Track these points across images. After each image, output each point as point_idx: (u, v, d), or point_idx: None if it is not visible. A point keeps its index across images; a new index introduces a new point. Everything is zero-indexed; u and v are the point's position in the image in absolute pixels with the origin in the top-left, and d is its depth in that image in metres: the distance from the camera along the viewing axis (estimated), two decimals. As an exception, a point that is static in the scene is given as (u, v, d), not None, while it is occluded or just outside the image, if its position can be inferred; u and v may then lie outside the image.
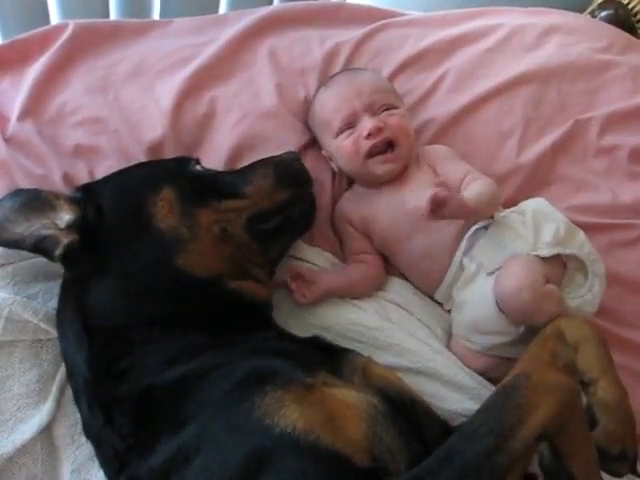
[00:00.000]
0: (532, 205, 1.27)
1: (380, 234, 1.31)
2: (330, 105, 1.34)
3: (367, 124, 1.26)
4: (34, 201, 1.05)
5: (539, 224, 1.21)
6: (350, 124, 1.30)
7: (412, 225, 1.25)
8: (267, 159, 1.26)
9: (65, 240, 1.04)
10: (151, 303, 1.04)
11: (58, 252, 1.04)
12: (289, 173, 1.23)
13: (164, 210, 1.08)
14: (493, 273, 1.19)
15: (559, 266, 1.20)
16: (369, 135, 1.26)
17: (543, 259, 1.17)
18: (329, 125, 1.33)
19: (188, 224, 1.07)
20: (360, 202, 1.34)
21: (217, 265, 1.09)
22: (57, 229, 1.04)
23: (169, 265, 1.05)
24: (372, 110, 1.28)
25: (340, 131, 1.31)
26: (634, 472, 1.04)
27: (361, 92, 1.30)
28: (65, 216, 1.05)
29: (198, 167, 1.20)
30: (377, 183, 1.32)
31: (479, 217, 1.22)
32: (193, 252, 1.06)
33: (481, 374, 1.21)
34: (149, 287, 1.05)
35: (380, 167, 1.28)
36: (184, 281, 1.06)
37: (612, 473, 1.02)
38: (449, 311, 1.30)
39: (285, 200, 1.20)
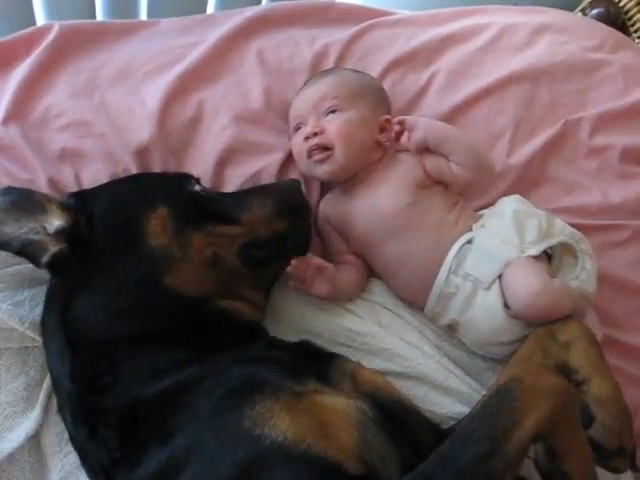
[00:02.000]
0: (510, 205, 1.26)
1: (357, 238, 1.30)
2: (293, 106, 1.36)
3: (308, 127, 1.28)
4: (25, 202, 1.03)
5: (521, 224, 1.21)
6: (300, 124, 1.32)
7: (388, 229, 1.25)
8: (268, 186, 1.27)
9: (53, 248, 1.02)
10: (136, 320, 1.03)
11: (45, 260, 1.03)
12: (288, 204, 1.21)
13: (157, 228, 1.06)
14: (490, 287, 1.18)
15: (545, 257, 1.21)
16: (307, 138, 1.28)
17: (535, 257, 1.17)
18: (289, 124, 1.37)
19: (180, 244, 1.06)
20: (338, 204, 1.34)
21: (206, 286, 1.08)
22: (46, 235, 1.02)
23: (157, 283, 1.04)
24: (318, 113, 1.29)
25: (294, 130, 1.34)
26: (634, 467, 1.05)
27: (315, 95, 1.31)
28: (55, 222, 1.03)
29: (197, 187, 1.19)
30: (348, 184, 1.32)
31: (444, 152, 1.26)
32: (182, 271, 1.05)
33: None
34: (135, 304, 1.03)
35: (318, 168, 1.28)
36: (171, 299, 1.05)
37: (612, 469, 1.03)
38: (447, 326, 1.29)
39: (281, 231, 1.18)
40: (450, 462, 0.80)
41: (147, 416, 0.93)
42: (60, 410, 1.05)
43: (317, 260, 1.23)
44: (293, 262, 1.19)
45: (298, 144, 1.30)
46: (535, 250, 1.17)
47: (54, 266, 1.04)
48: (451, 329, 1.27)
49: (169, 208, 1.09)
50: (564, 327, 1.13)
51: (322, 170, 1.28)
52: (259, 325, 1.17)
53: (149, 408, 0.93)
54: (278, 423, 0.84)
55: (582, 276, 1.19)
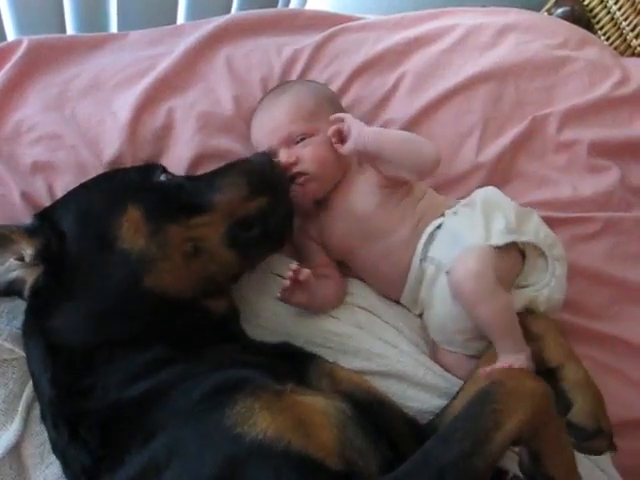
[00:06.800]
0: (481, 195, 1.28)
1: (336, 245, 1.32)
2: (255, 136, 1.35)
3: (282, 157, 1.26)
4: None
5: (489, 213, 1.22)
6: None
7: (364, 231, 1.26)
8: (238, 164, 1.21)
9: (29, 279, 1.03)
10: (115, 325, 1.02)
11: (26, 293, 1.04)
12: (263, 179, 1.17)
13: (130, 231, 1.04)
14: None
15: (516, 255, 1.21)
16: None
17: (498, 249, 1.17)
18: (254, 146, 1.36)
19: (158, 243, 1.04)
20: (315, 216, 1.34)
21: (188, 284, 1.07)
22: (21, 268, 1.03)
23: (137, 288, 1.03)
24: (288, 142, 1.28)
25: None
26: (612, 446, 1.09)
27: (278, 126, 1.29)
28: (26, 251, 1.03)
29: (163, 177, 1.16)
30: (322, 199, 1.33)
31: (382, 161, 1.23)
32: (163, 271, 1.04)
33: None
34: (114, 311, 1.02)
35: (300, 189, 1.27)
36: (153, 302, 1.04)
37: (593, 451, 1.08)
38: (419, 315, 1.31)
39: (262, 207, 1.15)
40: (432, 460, 0.81)
41: (127, 417, 0.93)
42: (43, 417, 1.05)
43: (304, 273, 1.21)
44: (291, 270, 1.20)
45: None
46: (499, 240, 1.17)
47: (37, 292, 1.04)
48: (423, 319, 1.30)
49: (139, 206, 1.06)
50: (535, 321, 1.19)
51: (305, 193, 1.28)
52: (235, 321, 1.17)
53: (129, 409, 0.94)
54: (258, 421, 0.85)
55: (552, 283, 1.21)
